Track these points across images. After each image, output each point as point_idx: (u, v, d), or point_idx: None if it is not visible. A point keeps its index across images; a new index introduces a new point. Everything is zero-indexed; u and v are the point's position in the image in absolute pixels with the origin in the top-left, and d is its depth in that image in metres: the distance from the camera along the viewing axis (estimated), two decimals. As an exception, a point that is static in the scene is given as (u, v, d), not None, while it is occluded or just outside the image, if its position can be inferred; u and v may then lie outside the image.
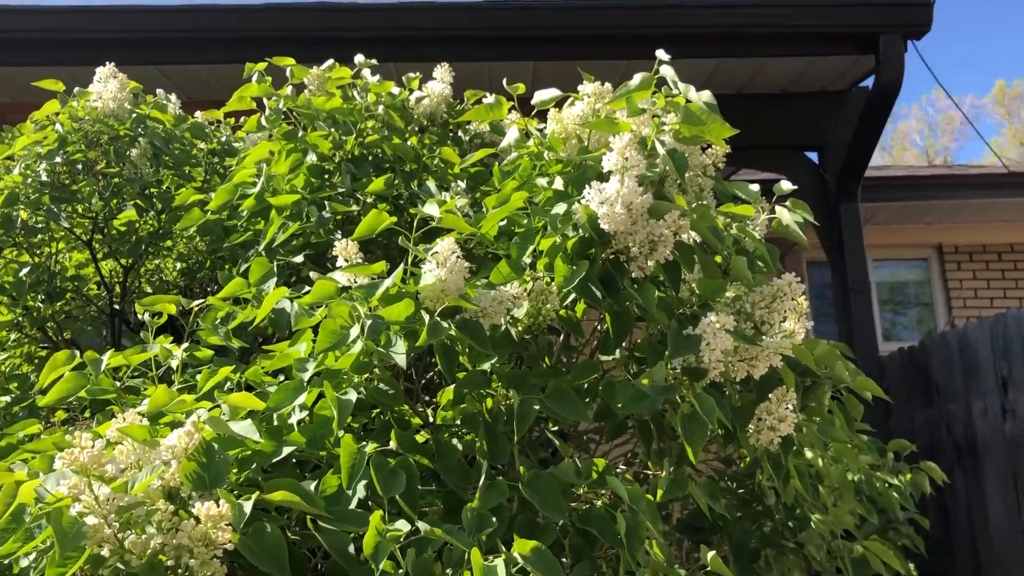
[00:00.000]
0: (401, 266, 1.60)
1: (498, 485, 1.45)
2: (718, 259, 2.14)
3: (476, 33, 4.40)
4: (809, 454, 2.20)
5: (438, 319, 1.49)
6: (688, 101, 1.89)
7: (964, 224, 8.27)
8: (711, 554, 1.75)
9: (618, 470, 2.01)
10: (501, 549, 1.36)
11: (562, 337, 1.94)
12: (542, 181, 1.76)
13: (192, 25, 4.43)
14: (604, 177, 1.73)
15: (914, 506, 3.20)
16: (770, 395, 1.75)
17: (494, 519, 1.39)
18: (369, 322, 1.44)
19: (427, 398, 1.97)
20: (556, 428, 1.84)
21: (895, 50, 4.62)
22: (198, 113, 2.99)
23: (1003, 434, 4.46)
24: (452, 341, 1.57)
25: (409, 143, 2.26)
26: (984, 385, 4.62)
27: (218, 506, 1.20)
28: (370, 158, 2.31)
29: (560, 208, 1.69)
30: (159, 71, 4.65)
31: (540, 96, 1.86)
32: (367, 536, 1.25)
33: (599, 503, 1.58)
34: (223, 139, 2.83)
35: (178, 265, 2.99)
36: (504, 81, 2.09)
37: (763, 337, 1.82)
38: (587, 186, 1.69)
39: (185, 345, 1.78)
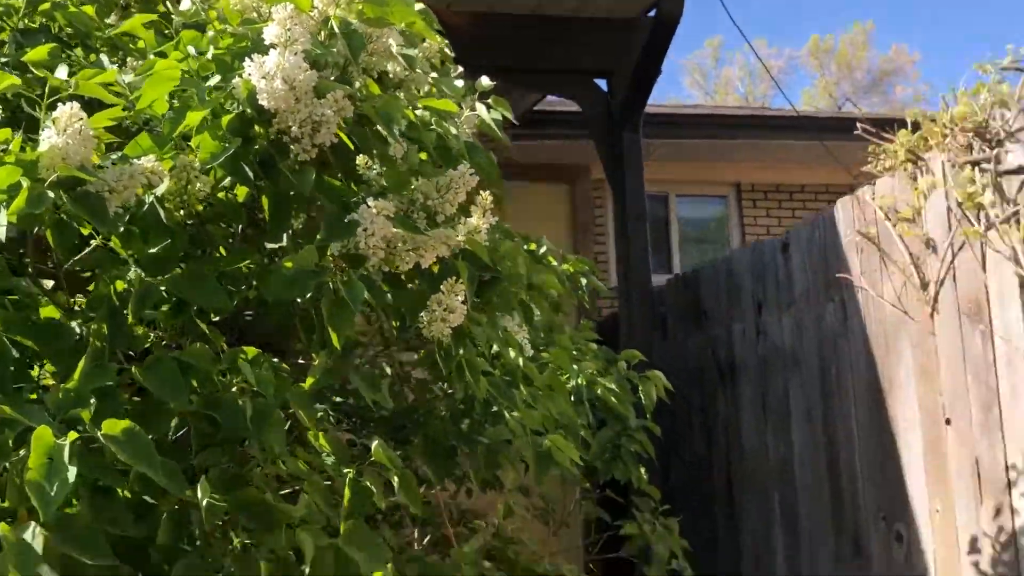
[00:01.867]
0: (20, 133, 1.45)
1: (105, 368, 1.35)
2: (423, 156, 2.09)
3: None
4: (512, 353, 2.23)
5: (44, 189, 1.36)
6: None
7: (760, 163, 8.65)
8: (376, 443, 1.73)
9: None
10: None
11: (241, 228, 1.84)
12: (193, 50, 1.63)
13: None
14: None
15: (651, 415, 3.35)
16: (441, 287, 1.73)
17: (93, 401, 1.30)
18: (-51, 186, 1.30)
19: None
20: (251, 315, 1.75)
21: (676, -21, 4.71)
22: None
23: (756, 354, 4.75)
24: (71, 218, 1.44)
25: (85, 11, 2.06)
26: (744, 309, 4.88)
27: None
28: (54, 31, 2.10)
29: (214, 80, 1.58)
30: None
31: (207, -38, 1.72)
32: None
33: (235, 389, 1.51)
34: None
35: None
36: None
37: (449, 229, 1.79)
38: (248, 59, 1.58)
39: None
